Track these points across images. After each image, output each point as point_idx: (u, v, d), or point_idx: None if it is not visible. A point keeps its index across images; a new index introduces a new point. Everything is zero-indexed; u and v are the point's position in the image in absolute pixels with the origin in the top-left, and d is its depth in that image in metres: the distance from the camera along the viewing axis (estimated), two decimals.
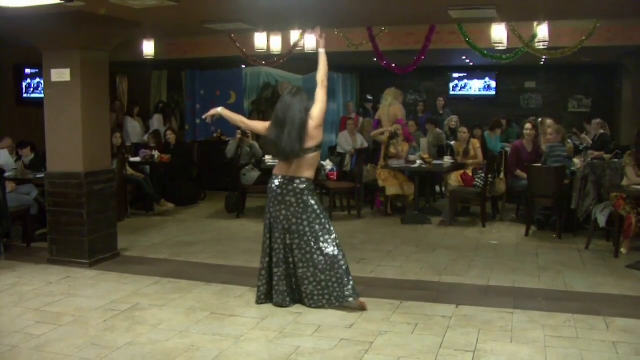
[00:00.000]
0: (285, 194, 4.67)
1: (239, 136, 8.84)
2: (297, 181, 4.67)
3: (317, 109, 4.70)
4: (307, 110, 4.65)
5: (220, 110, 4.99)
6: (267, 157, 9.05)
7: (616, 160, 7.53)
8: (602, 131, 10.65)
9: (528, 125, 8.22)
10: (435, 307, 4.75)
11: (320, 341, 4.10)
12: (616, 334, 4.16)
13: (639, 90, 10.92)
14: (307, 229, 4.66)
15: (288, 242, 4.69)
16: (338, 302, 4.67)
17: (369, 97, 13.18)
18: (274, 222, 4.73)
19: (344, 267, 4.67)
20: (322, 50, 4.85)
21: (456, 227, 7.96)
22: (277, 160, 4.88)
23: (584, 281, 5.49)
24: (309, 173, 4.73)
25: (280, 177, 4.73)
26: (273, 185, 4.73)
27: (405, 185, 8.57)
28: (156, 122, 11.29)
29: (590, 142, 10.25)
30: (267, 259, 4.77)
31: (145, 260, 6.36)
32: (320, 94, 4.75)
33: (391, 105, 9.25)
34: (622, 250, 6.34)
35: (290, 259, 4.71)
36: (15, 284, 5.44)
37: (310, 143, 4.65)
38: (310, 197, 4.69)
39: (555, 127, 8.06)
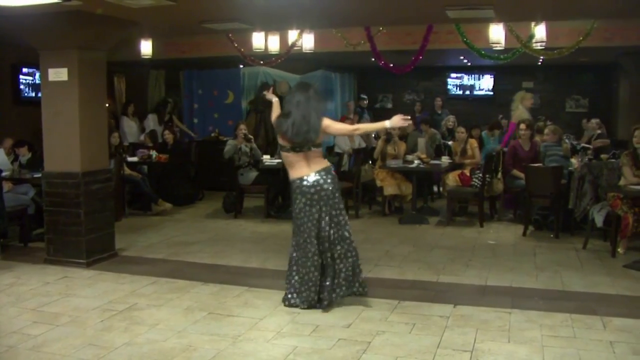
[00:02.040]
0: (319, 191, 4.65)
1: (242, 138, 8.77)
2: (319, 174, 4.67)
3: (332, 122, 4.83)
4: (321, 104, 4.75)
5: (275, 99, 5.17)
6: (264, 157, 9.05)
7: (613, 160, 7.55)
8: (599, 131, 10.66)
9: (522, 126, 8.24)
10: (433, 307, 4.75)
11: (318, 341, 4.10)
12: (613, 334, 4.17)
13: (636, 90, 10.93)
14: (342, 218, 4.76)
15: (332, 238, 4.69)
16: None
17: (363, 97, 13.70)
18: (320, 220, 4.68)
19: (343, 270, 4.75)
20: (387, 124, 4.71)
21: (454, 227, 7.96)
22: (291, 163, 4.76)
23: (581, 281, 5.50)
24: (322, 164, 4.74)
25: (305, 177, 4.67)
26: (304, 186, 4.66)
27: (403, 185, 8.58)
28: (151, 121, 11.27)
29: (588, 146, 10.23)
30: (316, 262, 4.70)
31: (143, 260, 6.35)
32: (345, 127, 5.16)
33: (516, 110, 9.22)
34: (619, 250, 6.35)
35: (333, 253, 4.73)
36: (13, 284, 5.43)
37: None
38: (335, 186, 4.73)
39: (552, 127, 8.07)
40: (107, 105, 10.34)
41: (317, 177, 4.66)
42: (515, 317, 4.51)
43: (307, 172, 4.67)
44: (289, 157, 4.74)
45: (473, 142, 8.77)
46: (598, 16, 7.32)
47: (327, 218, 4.67)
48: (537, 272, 5.81)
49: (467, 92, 15.21)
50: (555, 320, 4.42)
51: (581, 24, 7.76)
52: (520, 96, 9.50)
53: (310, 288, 4.71)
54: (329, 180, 4.68)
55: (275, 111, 5.07)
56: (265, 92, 5.44)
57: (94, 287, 5.35)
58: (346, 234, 4.75)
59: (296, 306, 4.72)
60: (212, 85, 12.12)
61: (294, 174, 4.74)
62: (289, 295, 4.80)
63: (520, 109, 9.25)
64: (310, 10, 6.23)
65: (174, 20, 6.83)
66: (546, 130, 8.08)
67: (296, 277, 4.78)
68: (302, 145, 4.64)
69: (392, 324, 4.42)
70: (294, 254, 4.81)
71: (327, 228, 4.67)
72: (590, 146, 9.98)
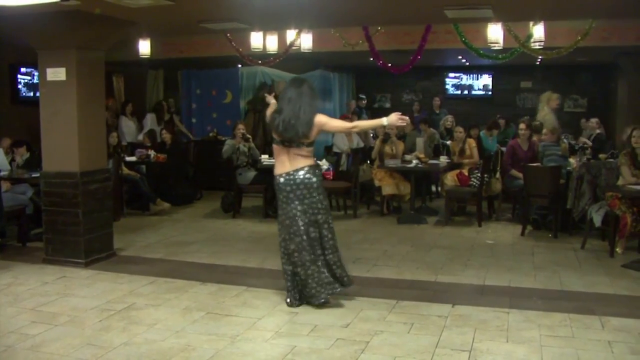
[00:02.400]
0: (295, 189, 4.66)
1: (240, 137, 8.76)
2: (297, 173, 4.67)
3: (330, 119, 4.82)
4: (315, 100, 4.74)
5: (273, 101, 5.05)
6: (263, 156, 9.05)
7: (612, 160, 7.56)
8: (598, 131, 10.68)
9: (522, 126, 8.23)
10: (431, 307, 4.76)
11: (316, 341, 4.10)
12: (611, 333, 4.18)
13: (634, 90, 10.94)
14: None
15: (313, 234, 4.69)
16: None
17: (362, 96, 13.80)
18: (294, 219, 4.70)
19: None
20: (385, 121, 4.72)
21: (452, 227, 7.97)
22: (277, 157, 4.83)
23: (580, 280, 5.50)
24: (304, 163, 4.72)
25: (283, 173, 4.70)
26: (281, 183, 4.70)
27: (401, 184, 8.58)
28: (149, 121, 11.26)
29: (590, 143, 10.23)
30: (313, 254, 4.70)
31: (141, 259, 6.35)
32: (343, 124, 5.18)
33: (542, 111, 9.13)
34: (617, 249, 6.36)
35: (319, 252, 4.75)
36: (11, 284, 5.42)
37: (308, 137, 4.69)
38: (315, 184, 4.71)
39: (550, 127, 8.08)
40: (109, 104, 10.39)
41: (294, 175, 4.67)
42: (514, 317, 4.51)
43: (288, 168, 4.70)
44: (276, 149, 4.80)
45: (471, 142, 8.79)
46: (596, 16, 7.32)
47: (303, 216, 4.67)
48: (536, 271, 5.81)
49: (466, 92, 15.22)
50: (554, 320, 4.43)
51: (579, 24, 7.76)
52: (547, 97, 9.32)
53: (299, 285, 4.75)
54: (306, 180, 4.67)
55: (271, 109, 5.09)
56: (266, 95, 5.43)
57: (92, 287, 5.34)
58: (324, 232, 4.74)
59: (293, 305, 4.74)
60: (210, 85, 12.12)
61: (276, 169, 4.79)
62: (289, 294, 4.81)
63: (546, 110, 9.09)
64: (308, 10, 6.23)
65: (173, 20, 6.82)
66: (544, 130, 8.08)
67: (289, 278, 4.79)
68: (291, 140, 4.66)
69: (391, 323, 4.42)
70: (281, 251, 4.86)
71: (303, 227, 4.66)
72: (590, 143, 9.98)
